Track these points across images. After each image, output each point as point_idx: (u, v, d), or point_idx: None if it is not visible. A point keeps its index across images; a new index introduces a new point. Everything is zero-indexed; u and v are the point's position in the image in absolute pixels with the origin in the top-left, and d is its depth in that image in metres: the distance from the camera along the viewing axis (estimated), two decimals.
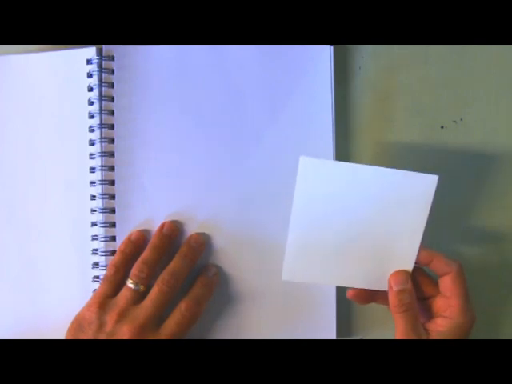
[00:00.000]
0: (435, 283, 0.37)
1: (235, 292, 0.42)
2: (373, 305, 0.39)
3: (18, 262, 0.43)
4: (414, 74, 0.43)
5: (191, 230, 0.41)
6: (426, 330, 0.36)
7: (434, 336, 0.35)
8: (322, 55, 0.41)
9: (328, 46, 0.41)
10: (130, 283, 0.38)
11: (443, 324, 0.35)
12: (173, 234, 0.40)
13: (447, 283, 0.35)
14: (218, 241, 0.42)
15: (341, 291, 0.41)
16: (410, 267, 0.36)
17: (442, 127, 0.43)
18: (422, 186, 0.35)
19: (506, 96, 0.43)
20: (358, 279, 0.37)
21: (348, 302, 0.42)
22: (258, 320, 0.42)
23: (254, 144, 0.42)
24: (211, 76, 0.42)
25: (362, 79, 0.43)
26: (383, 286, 0.37)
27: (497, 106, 0.43)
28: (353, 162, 0.42)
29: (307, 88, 0.41)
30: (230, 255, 0.42)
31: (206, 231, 0.41)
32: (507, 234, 0.43)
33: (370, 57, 0.43)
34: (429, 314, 0.37)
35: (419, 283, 0.37)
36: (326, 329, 0.41)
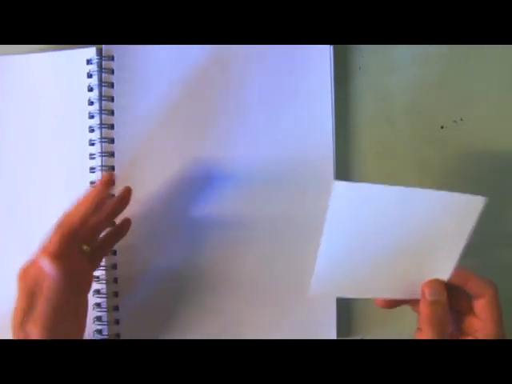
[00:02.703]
0: (470, 300, 0.35)
1: (235, 292, 0.42)
2: (373, 305, 0.39)
3: (18, 262, 0.43)
4: (414, 74, 0.43)
5: (192, 229, 0.41)
6: None
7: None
8: (322, 55, 0.41)
9: (328, 46, 0.41)
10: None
11: None
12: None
13: (482, 306, 0.34)
14: (219, 238, 0.42)
15: None
16: (445, 278, 0.34)
17: (442, 127, 0.43)
18: (467, 207, 0.33)
19: (506, 96, 0.43)
20: (389, 290, 0.35)
21: (348, 301, 0.42)
22: (258, 320, 0.42)
23: (254, 144, 0.42)
24: (211, 76, 0.42)
25: (361, 79, 0.43)
26: (416, 295, 0.35)
27: (497, 106, 0.43)
28: (358, 167, 0.42)
29: (307, 88, 0.41)
30: (231, 253, 0.42)
31: (207, 228, 0.41)
32: (504, 237, 0.43)
33: (370, 57, 0.43)
34: (458, 327, 0.35)
35: (453, 297, 0.35)
36: (326, 329, 0.41)
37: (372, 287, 0.35)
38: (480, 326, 0.34)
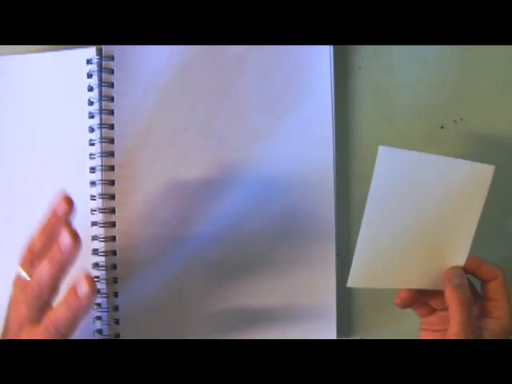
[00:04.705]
0: (475, 289, 0.37)
1: (235, 292, 0.42)
2: (373, 305, 0.39)
3: (16, 263, 0.43)
4: (414, 74, 0.43)
5: (192, 229, 0.41)
6: (479, 327, 0.36)
7: (486, 334, 0.35)
8: (322, 55, 0.41)
9: (328, 46, 0.41)
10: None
11: (494, 323, 0.36)
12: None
13: (495, 287, 0.36)
14: (219, 238, 0.42)
15: (341, 291, 0.41)
16: (462, 262, 0.36)
17: (442, 127, 0.43)
18: (477, 176, 0.35)
19: (506, 96, 0.43)
20: (416, 280, 0.36)
21: (348, 301, 0.42)
22: (258, 320, 0.42)
23: (254, 144, 0.42)
24: (211, 76, 0.42)
25: (361, 79, 0.43)
26: (438, 285, 0.36)
27: (497, 105, 0.43)
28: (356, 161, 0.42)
29: (307, 88, 0.41)
30: (231, 254, 0.42)
31: (206, 231, 0.41)
32: (504, 236, 0.43)
33: (370, 57, 0.43)
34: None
35: None
36: (326, 329, 0.41)
37: (402, 276, 0.36)
38: (495, 306, 0.36)
